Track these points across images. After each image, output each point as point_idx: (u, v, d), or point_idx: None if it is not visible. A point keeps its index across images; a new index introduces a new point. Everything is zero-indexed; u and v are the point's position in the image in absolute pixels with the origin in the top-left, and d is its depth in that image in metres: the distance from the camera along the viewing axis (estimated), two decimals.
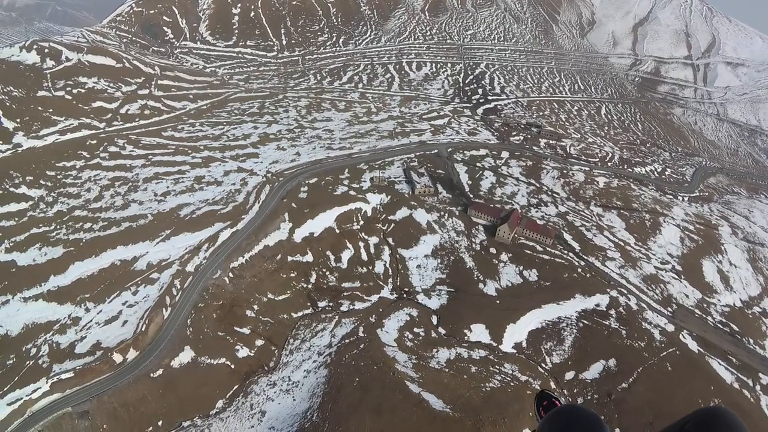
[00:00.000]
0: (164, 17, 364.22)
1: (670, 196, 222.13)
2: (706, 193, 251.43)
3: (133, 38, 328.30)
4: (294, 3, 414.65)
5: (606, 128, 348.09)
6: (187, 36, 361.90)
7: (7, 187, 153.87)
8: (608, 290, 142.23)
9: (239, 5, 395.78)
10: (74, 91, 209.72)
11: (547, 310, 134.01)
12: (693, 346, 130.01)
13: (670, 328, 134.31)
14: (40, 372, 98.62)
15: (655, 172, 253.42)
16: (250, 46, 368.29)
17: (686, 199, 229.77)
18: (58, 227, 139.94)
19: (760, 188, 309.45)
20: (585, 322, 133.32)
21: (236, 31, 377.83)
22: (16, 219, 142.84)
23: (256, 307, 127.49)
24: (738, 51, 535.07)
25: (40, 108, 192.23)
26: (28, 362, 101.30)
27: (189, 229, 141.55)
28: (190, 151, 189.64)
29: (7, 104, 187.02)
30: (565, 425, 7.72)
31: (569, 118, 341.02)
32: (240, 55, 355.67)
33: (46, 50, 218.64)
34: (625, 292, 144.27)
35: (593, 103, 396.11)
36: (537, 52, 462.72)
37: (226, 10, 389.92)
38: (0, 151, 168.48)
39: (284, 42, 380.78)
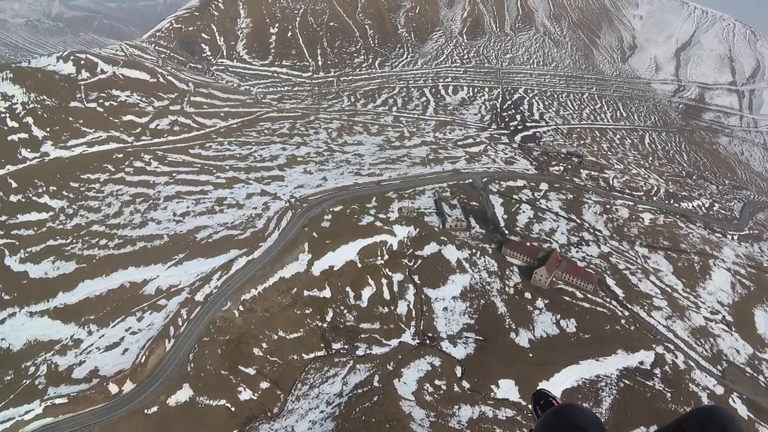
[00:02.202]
0: (203, 34, 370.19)
1: (719, 235, 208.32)
2: (756, 231, 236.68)
3: (171, 54, 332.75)
4: (331, 24, 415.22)
5: (650, 158, 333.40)
6: (224, 53, 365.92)
7: (30, 195, 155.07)
8: (654, 346, 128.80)
9: (277, 25, 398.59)
10: (106, 103, 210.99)
11: (586, 367, 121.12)
12: (743, 411, 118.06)
13: (719, 390, 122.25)
14: (35, 393, 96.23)
15: (703, 208, 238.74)
16: (286, 66, 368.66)
17: (736, 237, 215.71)
18: (74, 241, 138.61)
19: None
20: (626, 382, 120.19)
21: (273, 51, 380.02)
22: (35, 229, 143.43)
23: (264, 345, 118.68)
24: None
25: (71, 118, 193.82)
26: (25, 381, 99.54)
27: (203, 254, 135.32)
28: (215, 171, 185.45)
29: (39, 113, 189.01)
30: (563, 424, 7.59)
31: (611, 147, 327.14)
32: (275, 75, 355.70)
33: (83, 61, 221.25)
34: (672, 347, 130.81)
35: (636, 132, 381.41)
36: (577, 77, 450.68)
37: (264, 29, 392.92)
38: (27, 159, 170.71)
39: (320, 62, 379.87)
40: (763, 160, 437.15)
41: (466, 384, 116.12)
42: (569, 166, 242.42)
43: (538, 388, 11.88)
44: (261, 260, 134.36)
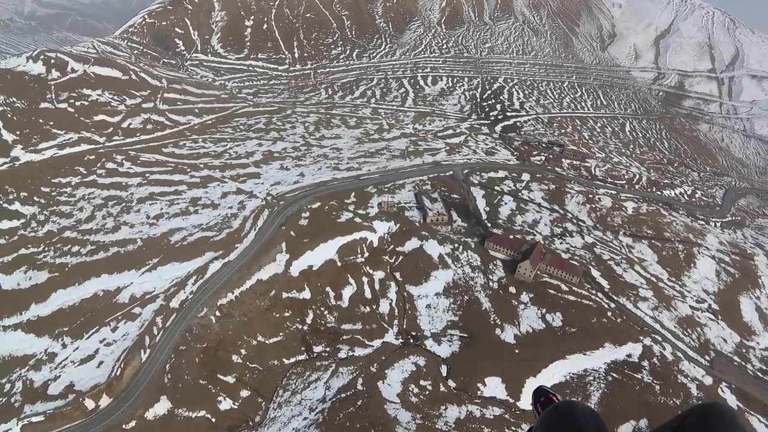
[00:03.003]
0: (176, 29, 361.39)
1: (702, 222, 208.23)
2: (738, 218, 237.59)
3: (144, 50, 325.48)
4: (308, 15, 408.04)
5: (631, 146, 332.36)
6: (199, 48, 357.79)
7: (1, 203, 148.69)
8: (641, 338, 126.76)
9: (252, 17, 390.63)
10: (77, 103, 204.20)
11: (573, 362, 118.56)
12: (732, 401, 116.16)
13: (708, 381, 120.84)
14: (12, 411, 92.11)
15: (685, 195, 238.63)
16: (262, 59, 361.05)
17: (719, 224, 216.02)
18: (46, 249, 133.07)
19: None
20: (615, 375, 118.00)
21: (248, 44, 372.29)
22: (7, 237, 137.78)
23: (243, 351, 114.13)
24: (762, 63, 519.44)
25: (41, 120, 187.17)
26: (0, 399, 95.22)
27: (178, 258, 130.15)
28: (189, 170, 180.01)
29: (9, 116, 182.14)
30: (563, 421, 7.53)
31: (592, 136, 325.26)
32: (251, 68, 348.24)
33: (53, 61, 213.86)
34: (660, 339, 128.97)
35: (617, 120, 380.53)
36: (557, 66, 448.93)
37: (239, 22, 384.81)
38: None
39: (296, 55, 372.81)
40: (743, 147, 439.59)
41: (452, 383, 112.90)
42: (551, 156, 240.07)
43: (538, 385, 11.62)
44: (237, 262, 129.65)
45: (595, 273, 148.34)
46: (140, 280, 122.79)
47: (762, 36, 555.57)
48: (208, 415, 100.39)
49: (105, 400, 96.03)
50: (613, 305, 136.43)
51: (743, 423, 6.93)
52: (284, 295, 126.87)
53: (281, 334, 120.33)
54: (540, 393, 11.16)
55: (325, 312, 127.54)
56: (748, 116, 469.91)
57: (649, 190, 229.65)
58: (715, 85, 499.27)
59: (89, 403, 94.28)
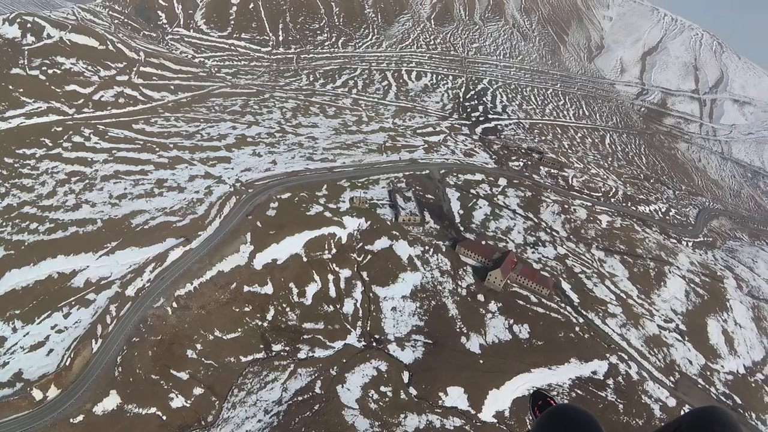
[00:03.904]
0: (160, 1, 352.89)
1: (675, 241, 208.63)
2: (710, 238, 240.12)
3: (125, 20, 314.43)
4: None
5: (610, 159, 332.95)
6: (181, 22, 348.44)
7: None
8: (607, 355, 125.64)
9: None
10: (50, 71, 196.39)
11: (537, 375, 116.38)
12: None
13: (672, 402, 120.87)
14: None
15: (660, 212, 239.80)
16: (245, 39, 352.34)
17: (690, 244, 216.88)
18: (3, 224, 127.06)
19: (762, 234, 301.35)
20: (579, 392, 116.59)
21: (232, 22, 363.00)
22: None
23: (199, 346, 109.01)
24: (746, 89, 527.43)
25: (10, 87, 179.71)
26: None
27: (138, 242, 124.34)
28: (157, 149, 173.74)
29: None
30: (560, 425, 7.53)
31: (572, 146, 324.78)
32: (233, 48, 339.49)
33: (29, 25, 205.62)
34: (626, 357, 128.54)
35: (597, 131, 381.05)
36: (543, 73, 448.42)
37: None
38: None
39: (281, 38, 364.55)
40: (720, 168, 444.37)
41: (413, 391, 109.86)
42: (529, 162, 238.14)
43: (536, 388, 12.11)
44: (199, 251, 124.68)
45: (566, 286, 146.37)
46: (97, 263, 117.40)
47: (748, 62, 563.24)
48: (159, 413, 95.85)
49: (53, 391, 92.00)
50: (581, 320, 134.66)
51: (740, 426, 6.86)
52: (245, 288, 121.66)
53: (240, 329, 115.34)
54: (537, 396, 11.37)
55: (287, 309, 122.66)
56: (727, 139, 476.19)
57: (624, 204, 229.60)
58: (697, 106, 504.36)
59: (37, 394, 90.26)
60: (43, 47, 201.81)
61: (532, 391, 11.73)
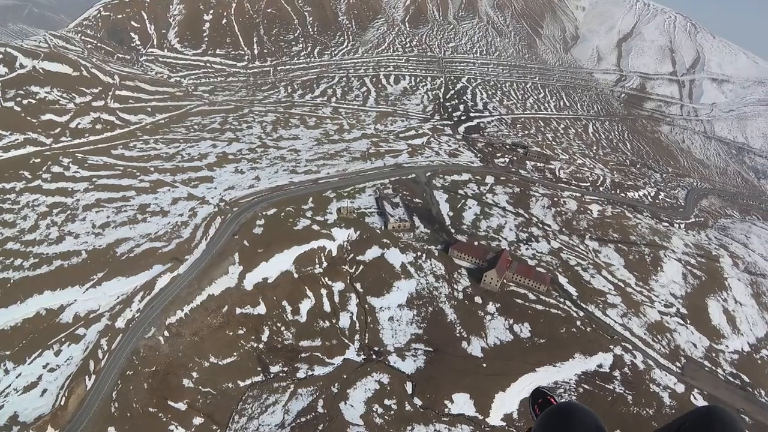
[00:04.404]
0: (132, 23, 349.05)
1: (667, 224, 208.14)
2: (702, 218, 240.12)
3: (98, 44, 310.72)
4: (269, 10, 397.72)
5: (594, 148, 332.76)
6: (155, 43, 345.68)
7: None
8: (611, 347, 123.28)
9: (211, 12, 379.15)
10: (24, 101, 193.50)
11: (542, 374, 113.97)
12: None
13: (680, 388, 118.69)
14: None
15: (649, 197, 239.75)
16: (220, 55, 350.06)
17: (683, 226, 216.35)
18: None
19: (752, 209, 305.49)
20: (586, 386, 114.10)
21: (206, 39, 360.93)
22: None
23: (195, 374, 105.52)
24: (723, 67, 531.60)
25: None
26: None
27: (123, 272, 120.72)
28: (138, 174, 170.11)
29: None
30: (562, 423, 7.44)
31: (556, 137, 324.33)
32: (208, 65, 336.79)
33: (1, 56, 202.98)
34: (630, 347, 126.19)
35: (580, 121, 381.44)
36: (521, 67, 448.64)
37: (197, 16, 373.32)
38: None
39: (256, 51, 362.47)
40: (704, 148, 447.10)
41: (417, 401, 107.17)
42: (515, 158, 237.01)
43: (536, 386, 11.41)
44: (187, 276, 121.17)
45: (563, 280, 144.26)
46: (84, 297, 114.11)
47: (723, 41, 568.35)
48: None
49: None
50: (582, 313, 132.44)
51: (744, 427, 6.77)
52: (237, 310, 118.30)
53: (235, 354, 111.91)
54: (538, 394, 10.81)
55: (282, 328, 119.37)
56: (709, 118, 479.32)
57: (613, 192, 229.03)
58: (676, 88, 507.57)
59: None
60: (16, 78, 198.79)
61: (532, 391, 11.11)
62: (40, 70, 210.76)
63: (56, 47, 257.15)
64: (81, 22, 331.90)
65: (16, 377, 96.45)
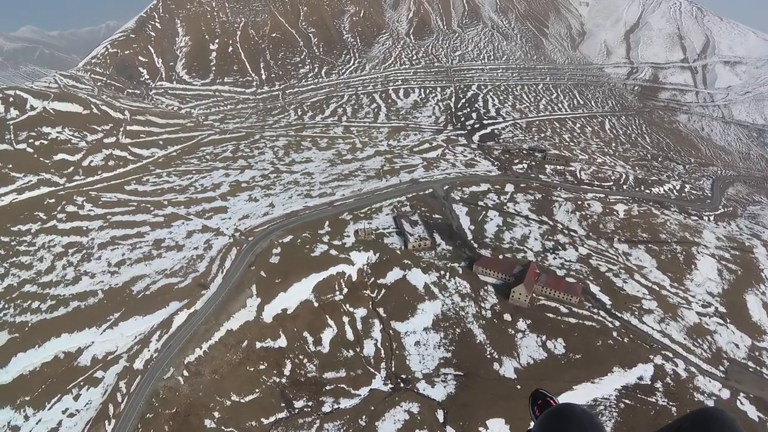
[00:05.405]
0: (140, 57, 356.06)
1: (696, 218, 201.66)
2: (730, 208, 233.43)
3: (108, 81, 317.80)
4: (274, 35, 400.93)
5: (613, 145, 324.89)
6: (163, 75, 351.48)
7: None
8: (651, 356, 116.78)
9: (217, 41, 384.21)
10: (37, 143, 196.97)
11: (581, 392, 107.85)
12: (752, 412, 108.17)
13: (725, 394, 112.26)
14: None
15: (675, 190, 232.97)
16: (228, 83, 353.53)
17: (712, 218, 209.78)
18: (6, 306, 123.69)
19: None
20: (627, 401, 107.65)
21: (214, 68, 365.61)
22: None
23: (217, 414, 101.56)
24: (733, 49, 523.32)
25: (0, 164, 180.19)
26: None
27: (140, 311, 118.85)
28: (152, 208, 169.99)
29: None
30: (561, 425, 7.38)
31: (573, 138, 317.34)
32: (217, 93, 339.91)
33: (11, 99, 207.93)
34: (671, 355, 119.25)
35: (595, 118, 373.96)
36: (530, 69, 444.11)
37: (204, 46, 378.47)
38: None
39: (263, 76, 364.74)
40: (724, 134, 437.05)
41: (450, 430, 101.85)
42: (533, 163, 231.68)
43: (535, 388, 11.19)
44: (204, 312, 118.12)
45: (595, 288, 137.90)
46: (101, 338, 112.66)
47: (730, 22, 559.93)
48: None
49: None
50: (617, 323, 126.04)
51: (741, 427, 6.78)
52: (258, 345, 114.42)
53: (257, 390, 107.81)
54: (538, 396, 10.68)
55: (305, 360, 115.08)
56: (725, 102, 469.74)
57: (637, 189, 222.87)
58: (689, 75, 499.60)
59: None
60: (27, 119, 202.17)
61: (532, 392, 10.92)
62: (51, 111, 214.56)
63: (66, 87, 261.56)
64: (90, 60, 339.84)
65: (36, 423, 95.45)
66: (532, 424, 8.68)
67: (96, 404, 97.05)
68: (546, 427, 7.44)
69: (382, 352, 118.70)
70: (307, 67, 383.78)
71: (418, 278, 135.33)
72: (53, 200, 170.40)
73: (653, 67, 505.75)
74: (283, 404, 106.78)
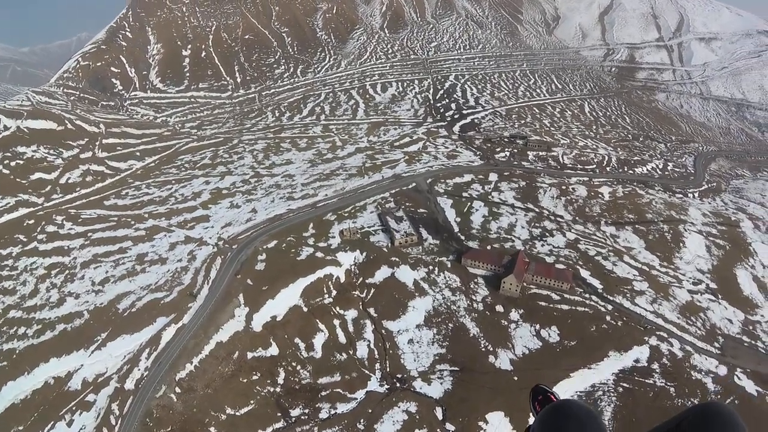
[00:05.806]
0: (112, 68, 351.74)
1: (680, 195, 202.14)
2: (714, 183, 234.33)
3: (81, 94, 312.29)
4: (246, 37, 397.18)
5: (594, 127, 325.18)
6: (137, 85, 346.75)
7: None
8: (646, 338, 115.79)
9: (189, 46, 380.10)
10: (12, 163, 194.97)
11: (578, 379, 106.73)
12: (750, 387, 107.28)
13: (723, 370, 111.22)
14: None
15: (658, 169, 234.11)
16: (203, 89, 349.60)
17: (696, 195, 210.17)
18: None
19: (762, 165, 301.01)
20: (625, 385, 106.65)
21: (188, 74, 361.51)
22: None
23: (213, 429, 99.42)
24: (708, 25, 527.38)
25: None
26: None
27: (127, 329, 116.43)
28: (133, 222, 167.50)
29: None
30: (561, 421, 7.34)
31: (554, 122, 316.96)
32: (192, 100, 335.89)
33: None
34: (665, 335, 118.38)
35: (574, 102, 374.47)
36: (506, 56, 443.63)
37: (176, 52, 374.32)
38: None
39: (239, 80, 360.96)
40: (703, 110, 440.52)
41: (450, 427, 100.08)
42: (515, 150, 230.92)
43: (536, 384, 11.37)
44: (192, 325, 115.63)
45: (585, 273, 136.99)
46: (90, 360, 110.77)
47: None
48: None
49: None
50: (610, 307, 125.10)
51: (743, 423, 6.78)
52: (249, 355, 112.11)
53: (252, 402, 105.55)
54: (538, 391, 10.84)
55: (298, 367, 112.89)
56: (702, 79, 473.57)
57: (620, 170, 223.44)
58: (666, 53, 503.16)
59: None
60: (1, 140, 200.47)
61: (532, 388, 10.90)
62: (25, 130, 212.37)
63: (39, 104, 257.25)
64: (62, 74, 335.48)
65: None
66: (532, 419, 8.55)
67: (90, 429, 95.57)
68: (545, 423, 7.41)
69: (376, 352, 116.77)
70: (282, 67, 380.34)
71: (407, 275, 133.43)
72: (32, 221, 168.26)
73: (629, 47, 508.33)
74: (279, 414, 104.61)
